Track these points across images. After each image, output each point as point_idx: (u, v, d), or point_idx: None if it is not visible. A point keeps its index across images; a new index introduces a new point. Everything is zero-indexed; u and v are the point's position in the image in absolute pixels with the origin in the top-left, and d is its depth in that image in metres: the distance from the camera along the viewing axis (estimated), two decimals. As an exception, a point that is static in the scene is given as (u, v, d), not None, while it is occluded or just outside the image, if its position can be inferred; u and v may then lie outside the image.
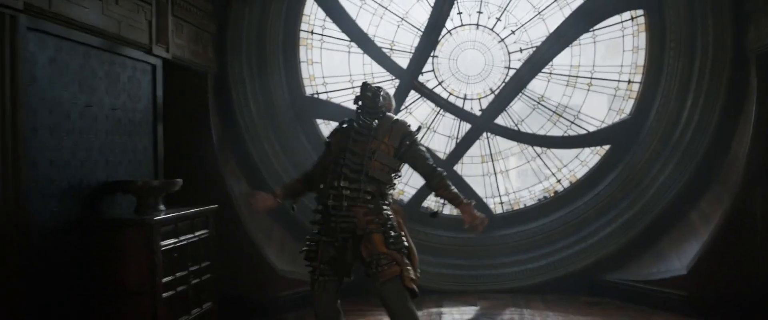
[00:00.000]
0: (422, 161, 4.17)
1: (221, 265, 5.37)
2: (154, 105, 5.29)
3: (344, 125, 4.28)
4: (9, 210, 3.59)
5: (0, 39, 3.52)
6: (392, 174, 4.15)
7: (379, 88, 4.32)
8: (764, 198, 5.74)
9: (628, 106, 7.12)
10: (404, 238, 4.05)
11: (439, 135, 7.49)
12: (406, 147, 4.15)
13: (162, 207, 4.68)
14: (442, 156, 7.39)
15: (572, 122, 7.31)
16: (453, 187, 4.16)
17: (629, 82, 7.10)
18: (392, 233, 3.99)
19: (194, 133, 6.20)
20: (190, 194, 5.36)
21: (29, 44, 3.80)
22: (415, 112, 7.42)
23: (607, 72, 7.21)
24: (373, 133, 4.14)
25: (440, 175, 4.14)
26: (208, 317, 5.06)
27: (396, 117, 4.29)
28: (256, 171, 6.85)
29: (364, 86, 4.28)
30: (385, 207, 4.07)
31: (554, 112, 7.37)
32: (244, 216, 6.34)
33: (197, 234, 4.95)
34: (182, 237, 4.72)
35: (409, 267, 3.95)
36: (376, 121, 4.21)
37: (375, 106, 4.24)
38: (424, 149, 4.28)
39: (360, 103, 4.23)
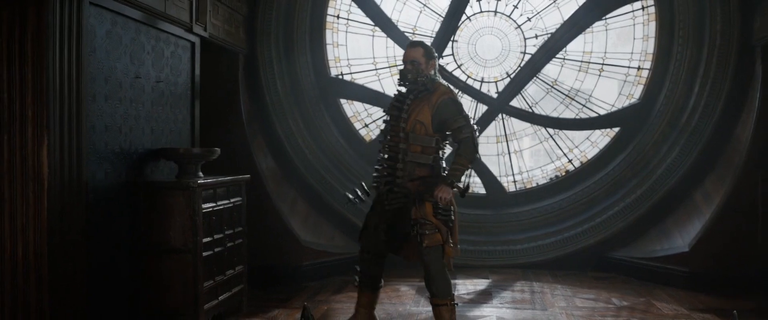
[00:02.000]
0: (458, 132, 4.26)
1: (249, 233, 5.70)
2: (192, 80, 5.65)
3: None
4: (72, 169, 3.95)
5: (69, 11, 3.88)
6: (438, 150, 4.32)
7: (416, 63, 4.32)
8: (764, 181, 6.04)
9: (637, 91, 7.43)
10: (452, 213, 4.26)
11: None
12: (441, 122, 4.25)
13: (201, 174, 5.03)
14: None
15: (584, 105, 7.63)
16: (462, 166, 4.25)
17: (639, 68, 7.41)
18: (441, 205, 4.22)
19: (225, 109, 6.56)
20: (221, 166, 5.73)
21: (91, 17, 4.16)
22: (434, 94, 7.76)
23: (618, 58, 7.53)
24: (405, 111, 4.27)
25: (468, 149, 4.25)
26: (239, 279, 5.40)
27: (437, 83, 4.35)
28: (282, 147, 7.20)
29: (406, 50, 4.38)
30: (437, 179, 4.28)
31: (567, 95, 7.69)
32: (270, 188, 6.71)
33: (232, 200, 5.29)
34: (220, 203, 5.05)
35: (451, 241, 4.24)
36: (411, 96, 4.32)
37: (416, 79, 4.32)
38: (461, 122, 4.25)
39: (401, 75, 4.38)
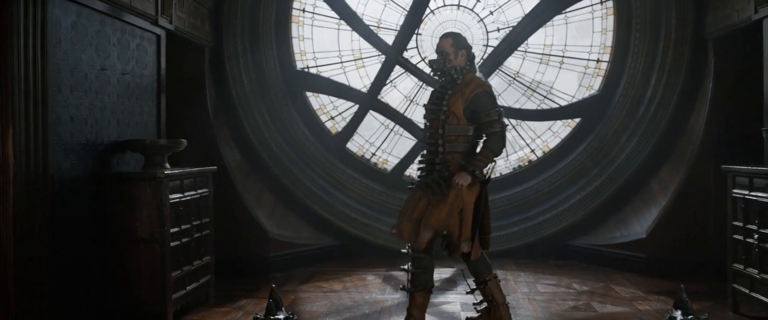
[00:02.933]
0: (487, 126, 4.29)
1: (217, 225, 5.73)
2: (158, 72, 5.68)
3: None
4: (38, 160, 3.97)
5: (34, 2, 3.90)
6: (476, 138, 4.36)
7: (445, 54, 4.36)
8: (716, 169, 6.25)
9: (596, 83, 7.63)
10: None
11: (421, 107, 7.88)
12: (473, 113, 4.30)
13: (167, 165, 5.06)
14: (423, 127, 7.83)
15: (545, 97, 7.80)
16: (486, 158, 4.30)
17: (598, 61, 7.61)
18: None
19: (191, 102, 6.58)
20: (188, 159, 5.76)
21: (55, 9, 4.17)
22: (400, 86, 7.89)
23: (577, 51, 7.72)
24: (445, 103, 4.32)
25: (494, 142, 4.29)
26: (206, 269, 5.45)
27: (468, 74, 4.39)
28: (248, 140, 7.24)
29: (437, 45, 4.43)
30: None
31: (528, 87, 7.85)
32: (237, 181, 6.76)
33: (199, 191, 5.32)
34: (187, 194, 5.09)
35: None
36: (450, 90, 4.36)
37: (443, 69, 4.38)
38: (494, 117, 4.26)
39: (433, 67, 4.44)
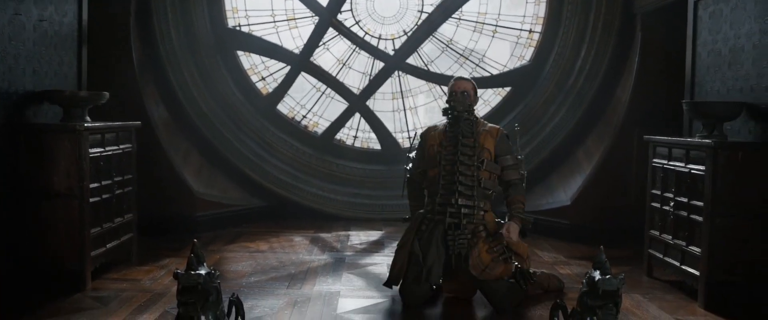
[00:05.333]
0: (511, 171, 4.37)
1: (141, 183, 5.58)
2: (79, 21, 5.42)
3: (438, 127, 4.48)
4: (-56, 105, 3.75)
5: (-61, -64, 3.64)
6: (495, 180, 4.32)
7: (463, 91, 4.39)
8: (639, 140, 6.45)
9: (528, 53, 7.72)
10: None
11: (353, 71, 7.91)
12: (503, 154, 4.37)
13: (88, 119, 4.86)
14: (355, 91, 7.81)
15: (477, 65, 7.86)
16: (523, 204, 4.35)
17: (530, 31, 7.69)
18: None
19: (116, 55, 6.32)
20: (111, 114, 5.55)
21: (-36, -54, 3.91)
22: (332, 48, 7.80)
23: (510, 21, 7.78)
24: (477, 140, 4.28)
25: (522, 190, 4.36)
26: (128, 227, 5.29)
27: (481, 118, 4.47)
28: (176, 97, 7.04)
29: (456, 82, 4.46)
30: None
31: (461, 55, 7.89)
32: (163, 138, 6.58)
33: (122, 147, 5.14)
34: (108, 148, 4.90)
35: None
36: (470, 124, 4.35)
37: (466, 106, 4.37)
38: (517, 156, 4.38)
39: (453, 104, 4.36)
